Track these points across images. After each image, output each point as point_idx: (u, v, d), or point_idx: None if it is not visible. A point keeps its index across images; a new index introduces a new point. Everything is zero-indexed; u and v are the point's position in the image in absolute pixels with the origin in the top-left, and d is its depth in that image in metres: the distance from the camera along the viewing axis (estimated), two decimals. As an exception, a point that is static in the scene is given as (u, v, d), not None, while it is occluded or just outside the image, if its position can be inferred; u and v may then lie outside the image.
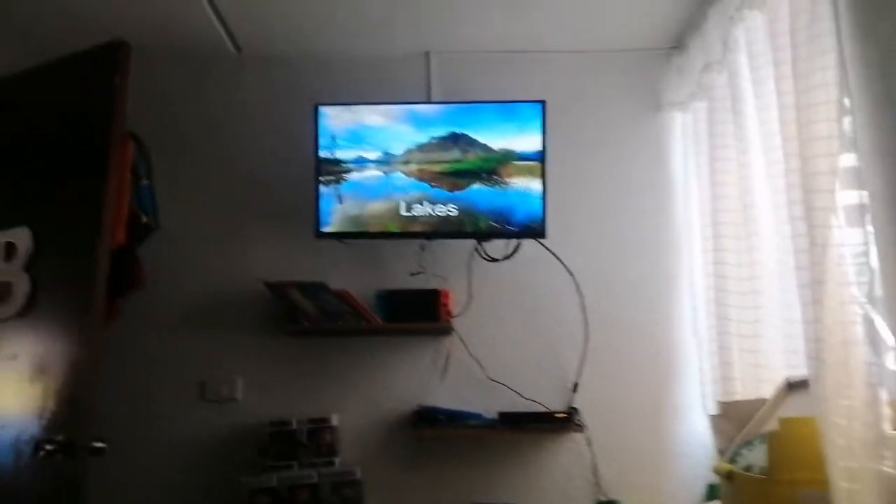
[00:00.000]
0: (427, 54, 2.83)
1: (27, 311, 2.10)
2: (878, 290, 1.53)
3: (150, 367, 2.63)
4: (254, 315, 2.65)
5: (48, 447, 1.84)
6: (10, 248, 2.17)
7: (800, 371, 1.93)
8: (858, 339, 1.54)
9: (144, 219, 2.41)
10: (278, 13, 2.56)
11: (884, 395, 1.50)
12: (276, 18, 2.60)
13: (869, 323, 1.53)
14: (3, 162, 2.30)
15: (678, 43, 2.71)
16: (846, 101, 1.59)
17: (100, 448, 1.93)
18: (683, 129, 2.69)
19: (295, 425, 2.50)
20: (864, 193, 1.55)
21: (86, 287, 1.99)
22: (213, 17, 2.57)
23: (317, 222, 2.50)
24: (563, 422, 2.45)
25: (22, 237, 2.15)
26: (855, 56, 1.57)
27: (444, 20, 2.62)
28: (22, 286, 2.12)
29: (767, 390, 2.10)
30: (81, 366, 1.96)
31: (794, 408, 1.95)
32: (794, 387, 2.00)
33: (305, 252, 2.66)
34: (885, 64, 1.48)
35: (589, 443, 2.52)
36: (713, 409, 2.36)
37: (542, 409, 2.52)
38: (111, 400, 2.47)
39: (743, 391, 2.21)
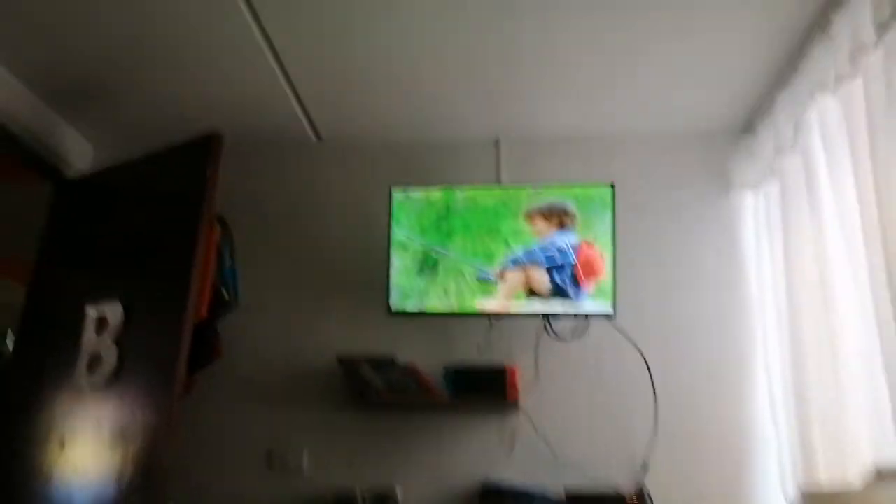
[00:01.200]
0: (497, 141, 2.94)
1: (113, 381, 2.21)
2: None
3: (221, 438, 2.69)
4: (323, 388, 2.70)
5: (124, 512, 1.91)
6: (102, 322, 2.30)
7: (889, 454, 1.84)
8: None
9: (226, 296, 2.53)
10: (357, 102, 2.72)
11: None
12: (354, 107, 2.76)
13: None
14: (103, 241, 2.48)
15: (748, 126, 2.73)
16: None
17: (176, 512, 1.99)
18: (755, 210, 2.68)
19: (359, 497, 2.49)
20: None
21: (169, 360, 2.10)
22: (298, 108, 2.76)
23: (387, 301, 2.56)
24: (632, 505, 2.38)
25: (113, 311, 2.28)
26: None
27: (514, 108, 2.73)
28: (110, 358, 2.24)
29: (853, 475, 1.99)
30: (159, 435, 2.05)
31: (884, 498, 1.85)
32: (884, 476, 1.89)
33: (377, 327, 2.71)
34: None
35: (660, 530, 2.43)
36: (793, 496, 2.24)
37: (611, 490, 2.45)
38: (183, 467, 2.53)
39: (827, 475, 2.10)
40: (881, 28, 1.68)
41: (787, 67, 2.32)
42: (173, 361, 2.10)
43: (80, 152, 2.95)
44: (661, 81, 2.53)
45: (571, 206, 2.51)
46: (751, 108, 2.66)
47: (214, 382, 2.66)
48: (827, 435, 2.13)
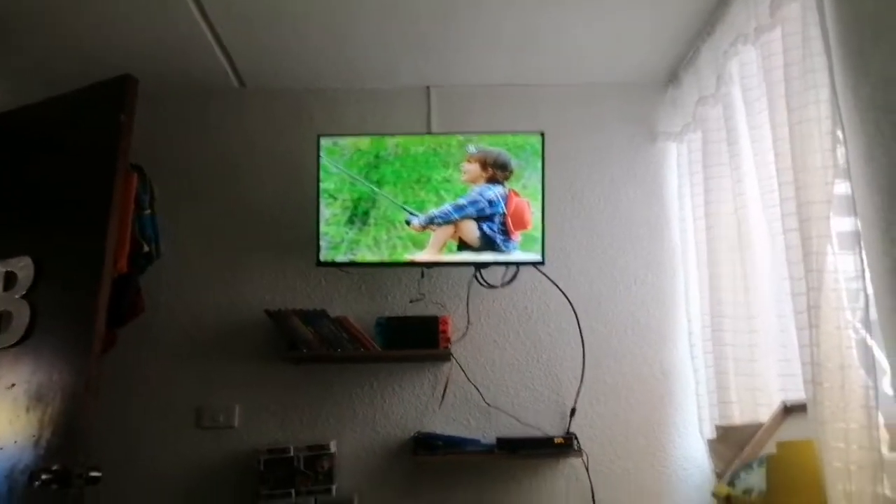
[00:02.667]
0: (427, 88, 2.90)
1: (25, 340, 2.10)
2: (873, 315, 1.58)
3: (146, 396, 2.62)
4: (253, 343, 2.65)
5: (44, 476, 1.83)
6: (10, 277, 2.17)
7: (796, 395, 1.97)
8: (854, 363, 1.58)
9: (146, 248, 2.43)
10: (282, 48, 2.62)
11: (880, 419, 1.54)
12: (279, 53, 2.66)
13: (864, 347, 1.58)
14: (6, 192, 2.31)
15: (673, 77, 2.79)
16: (839, 134, 1.65)
17: (95, 477, 1.93)
18: (678, 159, 2.75)
19: (292, 452, 2.48)
20: (858, 220, 1.60)
21: (86, 316, 2.00)
22: (218, 52, 2.62)
23: (317, 251, 2.52)
24: (561, 447, 2.46)
25: (23, 266, 2.15)
26: (846, 90, 1.64)
27: (445, 57, 2.69)
28: (21, 315, 2.11)
29: (764, 414, 2.13)
30: (78, 395, 1.96)
31: (791, 431, 1.98)
32: (791, 410, 2.03)
33: (306, 281, 2.68)
34: (875, 98, 1.55)
35: (587, 467, 2.53)
36: (710, 434, 2.38)
37: (541, 435, 2.53)
38: (106, 428, 2.47)
39: (740, 415, 2.24)
40: (798, -22, 1.72)
41: (710, 19, 2.37)
42: (91, 317, 1.99)
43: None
44: (588, 32, 2.54)
45: (511, 162, 2.51)
46: (675, 60, 2.71)
47: (139, 338, 2.59)
48: (741, 376, 2.26)
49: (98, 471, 1.94)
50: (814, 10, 1.69)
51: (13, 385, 2.07)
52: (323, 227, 2.52)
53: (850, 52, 1.62)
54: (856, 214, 1.60)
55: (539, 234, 2.49)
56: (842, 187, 1.64)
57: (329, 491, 2.44)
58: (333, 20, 2.45)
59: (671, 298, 2.72)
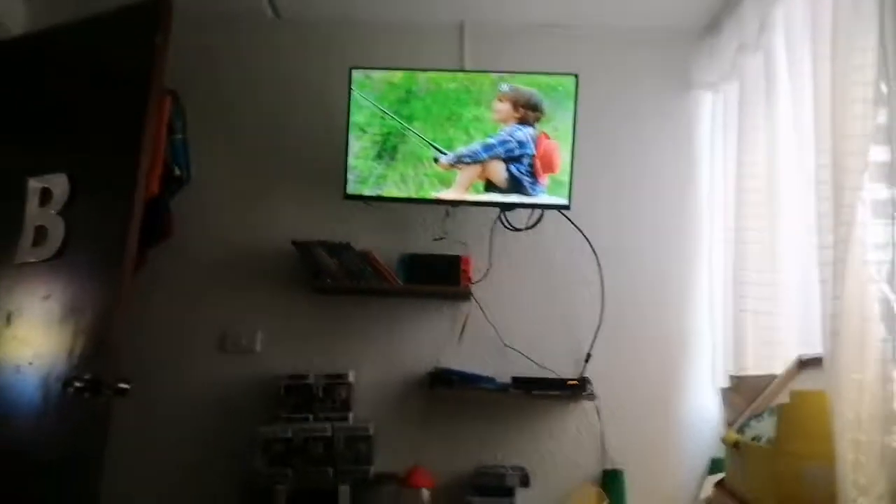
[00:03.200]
0: (461, 24, 2.86)
1: (60, 255, 2.15)
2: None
3: (172, 316, 2.70)
4: (278, 272, 2.71)
5: (76, 384, 1.90)
6: (46, 194, 2.22)
7: (812, 350, 1.98)
8: (875, 316, 1.58)
9: (177, 171, 2.46)
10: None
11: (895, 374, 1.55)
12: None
13: (886, 302, 1.57)
14: (44, 111, 2.34)
15: (713, 23, 2.71)
16: (883, 88, 1.60)
17: (124, 389, 2.00)
18: (713, 110, 2.71)
19: (312, 379, 2.56)
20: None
21: (118, 234, 2.04)
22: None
23: (345, 184, 2.53)
24: (574, 389, 2.51)
25: (58, 183, 2.19)
26: (894, 40, 1.59)
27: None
28: (56, 230, 2.17)
29: (779, 367, 2.14)
30: (110, 309, 2.02)
31: (804, 386, 1.99)
32: (806, 364, 2.03)
33: (333, 213, 2.70)
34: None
35: (598, 412, 2.58)
36: (724, 383, 2.40)
37: (555, 377, 2.57)
38: (135, 346, 2.54)
39: (755, 366, 2.25)
40: (855, -80, 1.65)
41: (758, -36, 2.29)
42: (123, 237, 2.04)
43: (11, 12, 2.71)
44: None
45: (543, 103, 2.48)
46: (717, 4, 2.62)
47: (167, 261, 2.65)
48: (759, 328, 2.27)
49: (127, 383, 2.02)
50: (869, -46, 1.63)
51: (48, 296, 2.14)
52: (351, 161, 2.53)
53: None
54: (892, 182, 1.58)
55: (567, 179, 2.48)
56: (881, 151, 1.61)
57: (346, 418, 2.53)
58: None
59: (695, 249, 2.71)
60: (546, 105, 2.49)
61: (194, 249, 2.72)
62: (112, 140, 2.15)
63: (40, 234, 2.19)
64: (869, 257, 1.61)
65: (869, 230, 1.62)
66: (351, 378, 2.59)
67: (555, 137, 2.48)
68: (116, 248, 2.04)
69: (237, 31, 2.89)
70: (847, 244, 1.63)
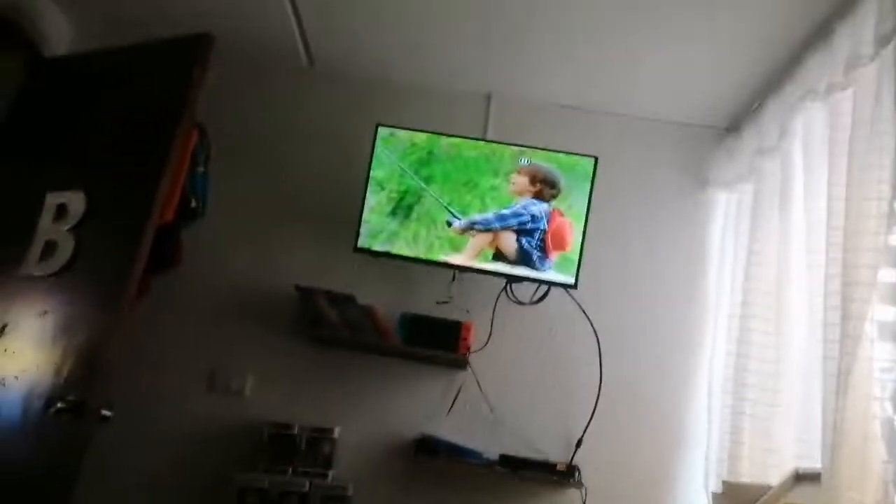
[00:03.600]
0: (489, 95, 2.94)
1: (65, 272, 2.16)
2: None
3: (166, 348, 2.66)
4: (278, 316, 2.69)
5: (59, 405, 1.88)
6: (62, 210, 2.24)
7: (809, 464, 1.92)
8: (877, 436, 1.54)
9: (193, 203, 2.49)
10: (356, 34, 2.69)
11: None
12: (352, 38, 2.72)
13: (889, 422, 1.54)
14: (74, 130, 2.40)
15: (733, 125, 2.78)
16: (896, 206, 1.62)
17: (106, 416, 1.97)
18: (727, 209, 2.73)
19: (296, 431, 2.50)
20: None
21: (127, 257, 2.05)
22: (295, 27, 2.70)
23: (356, 237, 2.55)
24: (562, 475, 2.43)
25: (75, 200, 2.22)
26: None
27: (510, 67, 2.73)
28: (65, 247, 2.18)
29: (774, 477, 2.07)
30: (106, 332, 2.01)
31: (799, 501, 1.92)
32: (802, 478, 1.97)
33: (340, 264, 2.71)
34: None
35: (584, 501, 2.49)
36: (716, 488, 2.33)
37: (544, 459, 2.50)
38: (124, 373, 2.52)
39: (749, 474, 2.18)
40: (881, 40, 1.71)
41: (781, 72, 2.36)
42: (131, 259, 2.05)
43: (59, 33, 2.80)
44: (659, 67, 2.55)
45: (561, 181, 2.52)
46: (739, 108, 2.70)
47: (171, 290, 2.64)
48: (757, 434, 2.21)
49: (110, 409, 1.99)
50: (891, 74, 1.67)
51: (46, 312, 2.13)
52: (366, 214, 2.56)
53: (922, 120, 1.61)
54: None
55: (576, 258, 2.48)
56: (893, 254, 1.61)
57: (326, 476, 2.45)
58: (408, 15, 2.51)
59: (698, 346, 2.68)
60: (563, 183, 2.52)
61: (199, 283, 2.71)
62: (136, 164, 2.20)
63: (49, 248, 2.21)
64: (875, 373, 1.58)
65: (876, 347, 1.60)
66: (336, 434, 2.53)
67: (568, 216, 2.50)
68: (122, 271, 2.05)
69: (271, 74, 2.98)
70: (853, 357, 1.61)
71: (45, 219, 2.26)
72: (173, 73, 2.22)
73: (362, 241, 2.55)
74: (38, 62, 2.68)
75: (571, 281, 2.49)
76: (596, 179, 2.53)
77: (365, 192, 2.57)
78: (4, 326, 2.19)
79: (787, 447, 2.11)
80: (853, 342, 1.62)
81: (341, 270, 2.71)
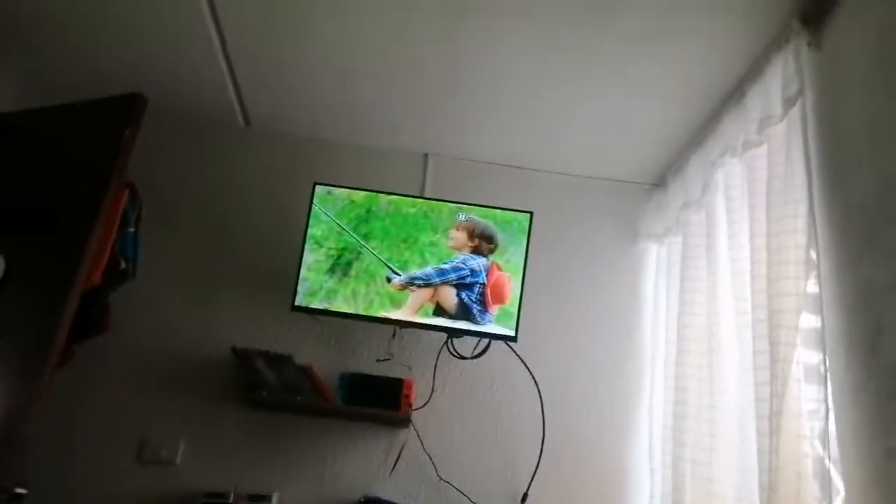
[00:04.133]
0: (426, 154, 3.00)
1: (-21, 340, 2.04)
2: (831, 427, 1.60)
3: (91, 417, 2.52)
4: (212, 379, 2.60)
5: (-34, 484, 1.75)
6: (-23, 274, 2.13)
7: (750, 505, 1.96)
8: (810, 473, 1.59)
9: (123, 265, 2.40)
10: (292, 95, 2.71)
11: (832, 535, 1.54)
12: (289, 99, 2.74)
13: (820, 462, 1.59)
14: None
15: (660, 180, 2.91)
16: (812, 254, 1.72)
17: (20, 494, 1.84)
18: (658, 260, 2.83)
19: (232, 499, 2.39)
20: (825, 334, 1.66)
21: (49, 324, 1.96)
22: (231, 87, 2.70)
23: (294, 295, 2.51)
24: (508, 533, 2.40)
25: (-7, 264, 2.12)
26: (822, 212, 1.73)
27: (444, 127, 2.80)
28: (-20, 313, 2.06)
29: (717, 522, 2.10)
30: (24, 405, 1.90)
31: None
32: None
33: (277, 324, 2.66)
34: (846, 225, 1.63)
35: (532, 558, 2.46)
36: (661, 539, 2.34)
37: (490, 517, 2.47)
38: (43, 445, 2.37)
39: (693, 522, 2.20)
40: (788, 102, 1.85)
41: (702, 130, 2.51)
42: (54, 326, 1.96)
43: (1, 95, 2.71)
44: (584, 126, 2.67)
45: (498, 236, 2.57)
46: (664, 165, 2.84)
47: (97, 357, 2.52)
48: (698, 479, 2.24)
49: (24, 488, 1.86)
50: (798, 132, 1.80)
51: (-43, 384, 1.99)
52: (304, 272, 2.53)
53: (827, 173, 1.72)
54: (823, 328, 1.66)
55: (515, 311, 2.51)
56: (812, 299, 1.70)
57: (264, 546, 2.34)
58: (345, 76, 2.55)
59: (636, 396, 2.72)
60: (500, 238, 2.57)
61: (127, 348, 2.60)
62: (61, 226, 2.12)
63: (-39, 314, 2.07)
64: (803, 412, 1.64)
65: (803, 388, 1.67)
66: (275, 500, 2.44)
67: (506, 269, 2.54)
68: (43, 340, 1.94)
69: (208, 134, 2.95)
70: (782, 399, 1.68)
71: (-41, 283, 2.13)
72: (105, 133, 2.17)
73: (300, 300, 2.51)
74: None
75: (512, 333, 2.51)
76: (532, 234, 2.59)
77: (302, 251, 2.55)
78: None
79: (728, 491, 2.14)
80: (782, 383, 1.69)
81: (279, 331, 2.66)
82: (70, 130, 2.28)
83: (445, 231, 2.58)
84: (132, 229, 2.46)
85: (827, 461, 1.58)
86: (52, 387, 2.00)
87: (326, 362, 2.59)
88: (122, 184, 2.28)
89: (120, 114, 2.18)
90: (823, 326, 1.66)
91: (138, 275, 2.54)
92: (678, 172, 2.68)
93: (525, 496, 2.54)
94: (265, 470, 2.52)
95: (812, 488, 1.58)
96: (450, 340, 2.63)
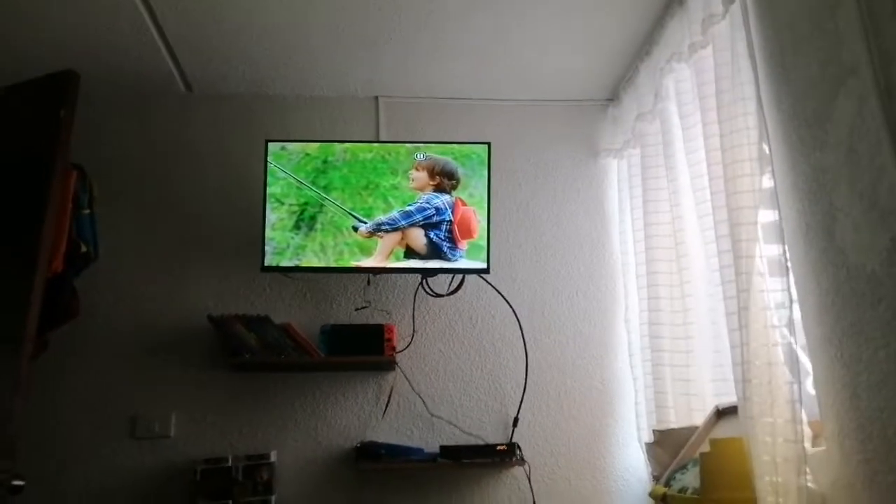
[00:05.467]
0: (376, 98, 2.93)
1: (-51, 341, 2.00)
2: (796, 315, 1.67)
3: (78, 403, 2.52)
4: (193, 349, 2.60)
5: (-36, 485, 1.75)
6: (-64, 274, 2.08)
7: (728, 399, 2.05)
8: (780, 360, 1.66)
9: (83, 248, 2.36)
10: (231, 53, 2.62)
11: (804, 415, 1.61)
12: (228, 58, 2.65)
13: (788, 347, 1.65)
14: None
15: (614, 95, 2.90)
16: (766, 148, 1.75)
17: (19, 486, 1.85)
18: (619, 174, 2.85)
19: (230, 462, 2.42)
20: (783, 226, 1.70)
21: (17, 317, 1.93)
22: (166, 55, 2.60)
23: (262, 256, 2.50)
24: (503, 455, 2.47)
25: (-51, 262, 2.06)
26: (770, 105, 1.74)
27: (393, 68, 2.74)
28: (-54, 313, 2.02)
29: (699, 418, 2.20)
30: (6, 399, 1.88)
31: (723, 433, 2.04)
32: (723, 413, 2.10)
33: (250, 286, 2.65)
34: (796, 108, 1.65)
35: (529, 476, 2.55)
36: (649, 438, 2.44)
37: (484, 443, 2.54)
38: (34, 436, 2.37)
39: (677, 420, 2.30)
40: (728, -1, 1.84)
41: (648, 38, 2.49)
42: (22, 319, 1.93)
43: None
44: (535, 49, 2.63)
45: (458, 171, 2.55)
46: (616, 79, 2.82)
47: (72, 343, 2.50)
48: (677, 381, 2.33)
49: (22, 479, 1.86)
50: (741, 27, 1.80)
51: (-66, 389, 1.97)
52: (269, 233, 2.50)
53: (773, 65, 1.73)
54: (781, 220, 1.70)
55: (484, 243, 2.53)
56: (769, 194, 1.73)
57: (268, 502, 2.39)
58: (283, 26, 2.46)
59: (612, 309, 2.79)
60: (461, 173, 2.56)
61: (103, 330, 2.58)
62: (12, 217, 2.06)
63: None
64: (770, 304, 1.70)
65: (767, 281, 1.72)
66: (273, 458, 2.47)
67: (471, 203, 2.54)
68: (14, 332, 1.92)
69: (149, 105, 2.86)
70: (749, 293, 1.73)
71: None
72: (40, 116, 2.09)
73: (269, 260, 2.50)
74: None
75: (483, 266, 2.53)
76: (492, 164, 2.58)
77: (265, 210, 2.52)
78: None
79: (706, 388, 2.24)
80: (746, 279, 1.74)
81: (253, 293, 2.66)
82: (5, 116, 2.19)
83: (405, 172, 2.56)
84: (87, 211, 2.40)
85: (794, 346, 1.65)
86: (33, 379, 1.98)
87: (305, 318, 2.60)
88: (69, 166, 2.22)
89: (52, 94, 2.09)
90: (781, 218, 1.70)
91: (101, 256, 2.49)
92: (630, 84, 2.67)
93: (516, 420, 2.62)
94: (260, 430, 2.56)
95: (783, 373, 1.65)
96: (424, 280, 2.65)
